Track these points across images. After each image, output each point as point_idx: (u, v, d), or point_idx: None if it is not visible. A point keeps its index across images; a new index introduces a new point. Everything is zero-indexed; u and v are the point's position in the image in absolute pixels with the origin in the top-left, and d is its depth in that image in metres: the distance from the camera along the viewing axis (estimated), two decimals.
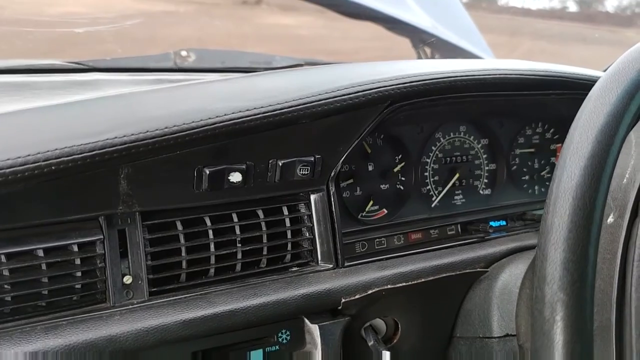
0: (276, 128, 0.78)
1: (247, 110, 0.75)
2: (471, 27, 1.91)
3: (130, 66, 1.29)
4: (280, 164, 0.82)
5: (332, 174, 0.88)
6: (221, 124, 0.74)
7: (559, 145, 1.17)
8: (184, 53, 1.37)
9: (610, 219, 0.68)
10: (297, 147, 0.83)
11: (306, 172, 0.84)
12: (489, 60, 1.52)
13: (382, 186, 1.01)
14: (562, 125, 1.16)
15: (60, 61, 1.25)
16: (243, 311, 0.77)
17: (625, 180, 0.69)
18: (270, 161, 0.81)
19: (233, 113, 0.75)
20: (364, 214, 0.99)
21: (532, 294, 0.55)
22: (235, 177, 0.79)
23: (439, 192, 1.06)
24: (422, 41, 1.59)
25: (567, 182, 0.54)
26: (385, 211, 1.01)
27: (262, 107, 0.76)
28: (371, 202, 1.00)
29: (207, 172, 0.77)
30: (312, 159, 0.84)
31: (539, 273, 0.53)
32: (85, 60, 1.27)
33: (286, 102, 0.78)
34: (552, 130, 1.17)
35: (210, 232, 0.81)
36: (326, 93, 0.81)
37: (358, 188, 0.99)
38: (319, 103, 0.80)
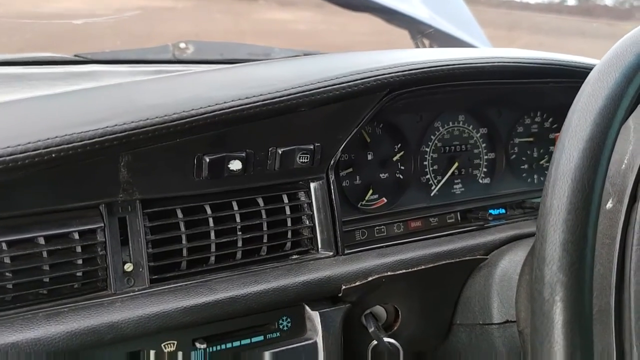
0: (276, 116, 0.78)
1: (247, 98, 0.75)
2: (470, 20, 1.91)
3: (129, 58, 1.29)
4: (280, 152, 0.82)
5: (332, 162, 0.88)
6: (221, 111, 0.74)
7: (558, 134, 1.17)
8: (182, 45, 1.37)
9: (609, 205, 0.68)
10: (296, 135, 0.83)
11: (306, 160, 0.84)
12: (487, 49, 1.52)
13: (381, 175, 1.02)
14: (560, 114, 1.16)
15: (58, 54, 1.25)
16: (244, 298, 0.77)
17: (623, 165, 0.69)
18: (270, 149, 0.82)
19: (232, 101, 0.75)
20: (363, 203, 1.00)
21: (532, 277, 0.55)
22: (235, 165, 0.79)
23: (438, 181, 1.07)
24: (420, 32, 1.59)
25: (566, 164, 0.55)
26: (385, 200, 1.02)
27: (261, 94, 0.76)
28: (371, 191, 1.00)
29: (207, 160, 0.77)
30: (312, 147, 0.84)
31: (539, 254, 0.54)
32: (84, 52, 1.27)
33: (285, 89, 0.78)
34: (550, 120, 1.17)
35: (211, 220, 0.81)
36: (325, 81, 0.81)
37: (357, 177, 0.99)
38: (318, 91, 0.80)
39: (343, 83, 0.82)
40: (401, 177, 1.03)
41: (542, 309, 0.52)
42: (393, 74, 0.85)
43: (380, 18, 1.72)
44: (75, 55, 1.27)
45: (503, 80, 0.97)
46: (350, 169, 0.99)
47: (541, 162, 1.17)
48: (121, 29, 1.55)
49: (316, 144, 0.84)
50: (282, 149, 0.82)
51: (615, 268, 0.65)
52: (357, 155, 0.99)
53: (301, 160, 0.84)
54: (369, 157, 1.00)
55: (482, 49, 1.55)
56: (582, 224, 0.53)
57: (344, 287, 0.84)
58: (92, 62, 1.24)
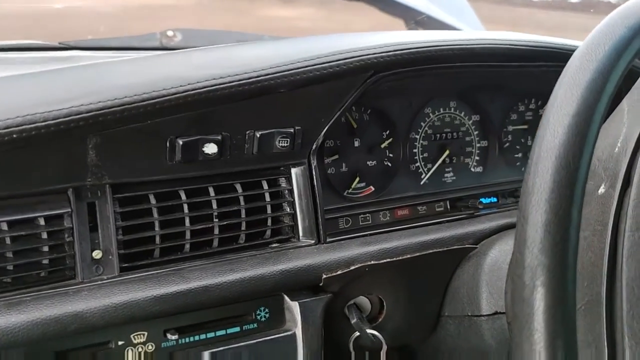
0: (252, 97, 0.74)
1: (221, 77, 0.72)
2: (468, 11, 1.88)
3: (114, 45, 1.26)
4: (258, 135, 0.78)
5: (314, 147, 0.85)
6: (193, 91, 0.70)
7: None
8: (170, 33, 1.34)
9: (601, 190, 0.65)
10: (275, 117, 0.79)
11: (286, 145, 0.80)
12: (477, 32, 1.49)
13: (368, 162, 0.98)
14: None
15: (41, 41, 1.22)
16: (217, 287, 0.74)
17: (616, 149, 0.66)
18: (247, 132, 0.78)
19: (206, 80, 0.71)
20: (350, 191, 0.96)
21: (512, 261, 0.52)
22: (210, 148, 0.76)
23: (429, 170, 1.03)
24: (414, 19, 1.56)
25: (550, 141, 0.51)
26: (372, 188, 0.98)
27: (236, 74, 0.73)
28: (357, 179, 0.97)
29: (180, 143, 0.74)
30: (292, 130, 0.80)
31: (519, 237, 0.50)
32: (68, 40, 1.24)
33: (263, 69, 0.74)
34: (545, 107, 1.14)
35: (185, 206, 0.77)
36: (305, 61, 0.77)
37: (344, 164, 0.96)
38: (298, 71, 0.76)
39: (324, 63, 0.78)
40: (389, 164, 1.00)
41: (522, 294, 0.49)
42: (377, 55, 0.82)
43: (376, 7, 1.70)
44: (60, 43, 1.23)
45: (494, 63, 0.94)
46: (336, 156, 0.95)
47: None
48: (120, 28, 1.52)
49: (297, 128, 0.81)
50: (260, 132, 0.78)
51: (607, 255, 0.62)
52: (343, 142, 0.95)
53: (281, 144, 0.80)
54: (356, 143, 0.97)
55: (473, 31, 1.51)
56: (565, 203, 0.49)
57: (324, 276, 0.80)
58: (76, 49, 1.21)
